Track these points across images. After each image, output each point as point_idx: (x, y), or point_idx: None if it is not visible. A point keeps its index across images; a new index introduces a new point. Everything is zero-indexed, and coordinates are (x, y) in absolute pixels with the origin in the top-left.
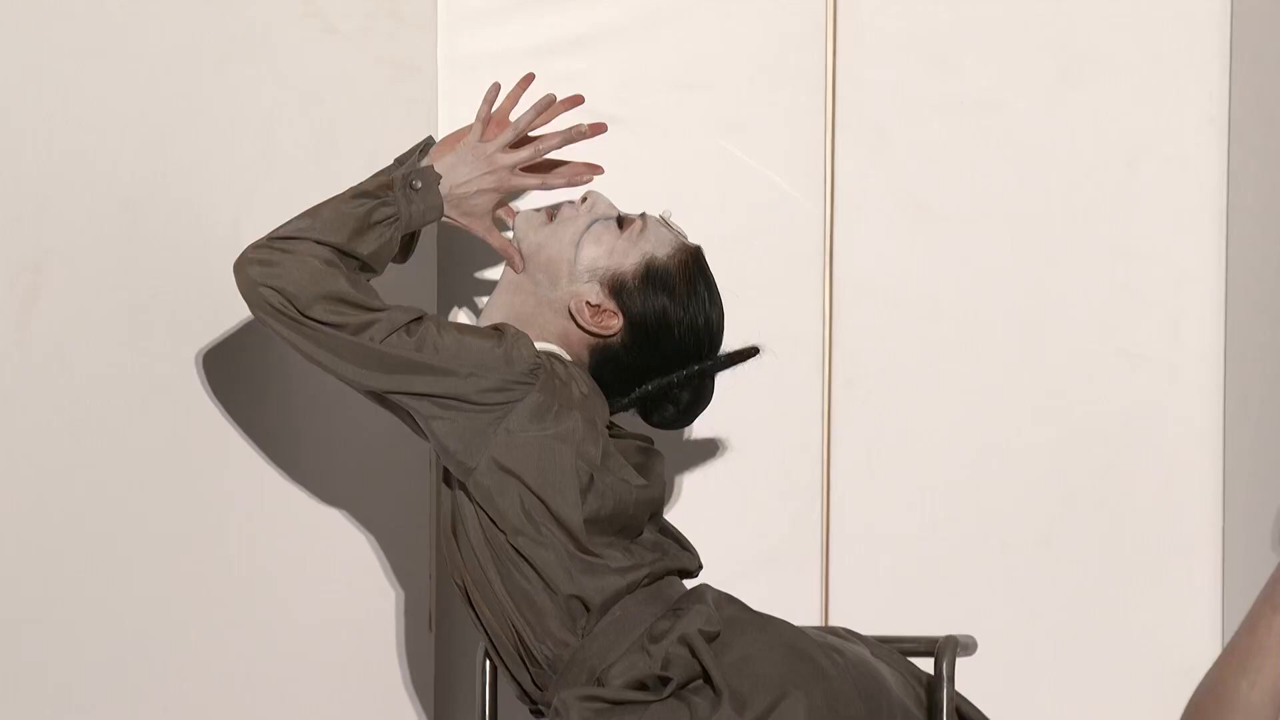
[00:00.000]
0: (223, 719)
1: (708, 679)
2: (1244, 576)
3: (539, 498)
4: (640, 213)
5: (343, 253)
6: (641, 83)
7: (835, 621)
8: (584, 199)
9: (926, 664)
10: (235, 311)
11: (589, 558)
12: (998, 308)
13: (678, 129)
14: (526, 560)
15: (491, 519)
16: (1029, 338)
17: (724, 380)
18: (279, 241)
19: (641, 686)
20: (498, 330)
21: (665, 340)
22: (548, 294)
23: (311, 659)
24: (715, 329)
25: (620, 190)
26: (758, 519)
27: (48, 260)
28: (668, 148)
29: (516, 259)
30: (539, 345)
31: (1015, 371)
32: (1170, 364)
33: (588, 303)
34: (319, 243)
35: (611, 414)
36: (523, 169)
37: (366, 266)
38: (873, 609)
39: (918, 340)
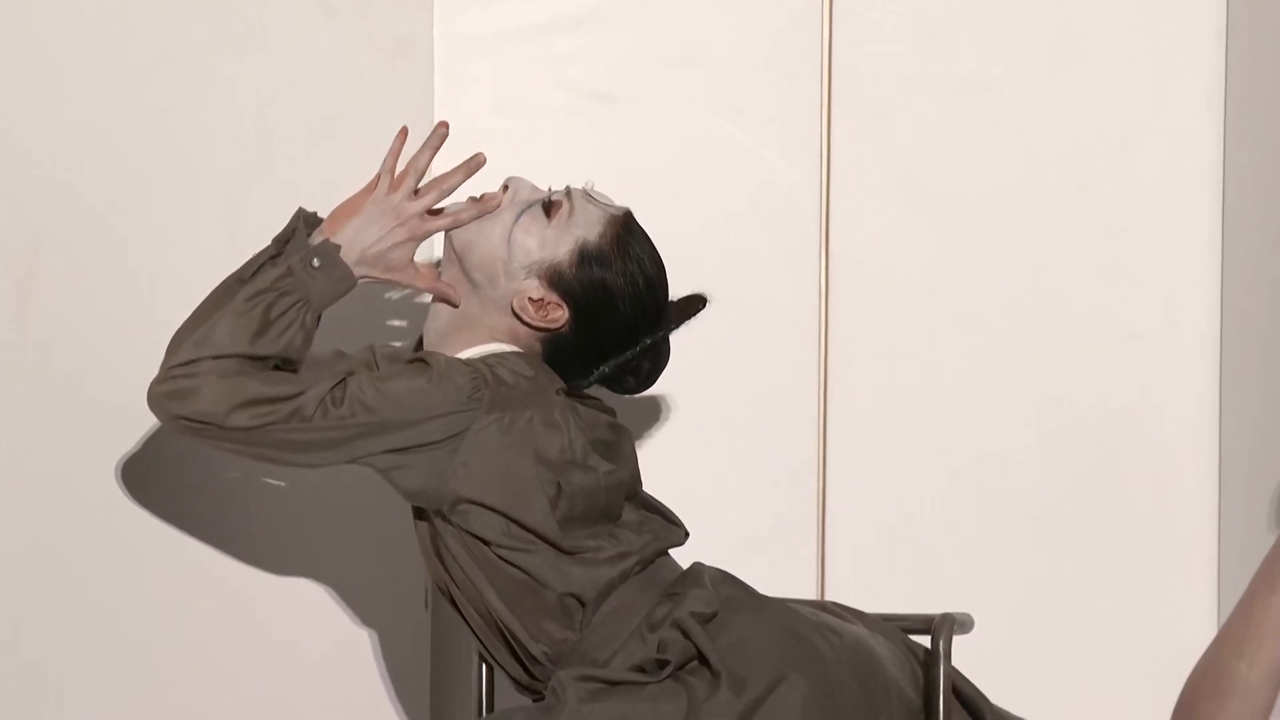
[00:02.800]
0: (219, 707)
1: (704, 660)
2: (1240, 557)
3: (511, 518)
4: (564, 188)
5: (249, 358)
6: (638, 62)
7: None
8: (505, 187)
9: (923, 642)
10: None
11: (576, 555)
12: (993, 288)
13: (674, 109)
14: (515, 566)
15: (474, 536)
16: (1025, 318)
17: (721, 359)
18: (179, 369)
19: (639, 669)
20: (424, 363)
21: (612, 317)
22: (489, 294)
23: (307, 644)
24: (659, 289)
25: (615, 171)
26: (754, 498)
27: (44, 244)
28: (664, 127)
29: (452, 294)
30: (483, 349)
31: (1011, 352)
32: (1166, 343)
33: (530, 299)
34: (218, 358)
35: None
36: (431, 211)
37: (283, 363)
38: (869, 587)
39: (914, 320)
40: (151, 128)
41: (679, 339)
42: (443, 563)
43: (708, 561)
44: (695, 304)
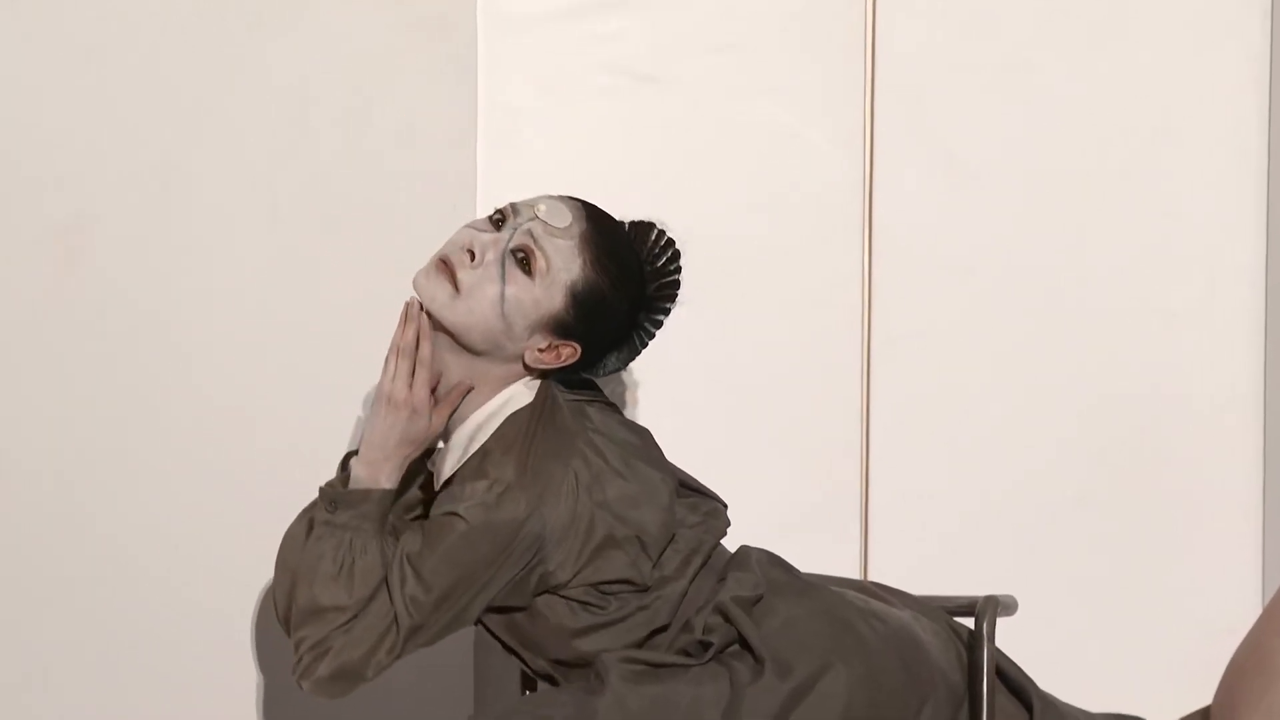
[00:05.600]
0: (261, 691)
1: (746, 645)
2: None
3: (595, 584)
4: (512, 214)
5: (351, 607)
6: (679, 43)
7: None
8: (468, 251)
9: (967, 624)
10: (267, 275)
11: (654, 587)
12: (1035, 267)
13: (716, 90)
14: (595, 628)
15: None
16: (1066, 297)
17: (764, 341)
18: (311, 652)
19: (683, 652)
20: (455, 516)
21: (614, 320)
22: (499, 357)
23: None
24: (639, 268)
25: (656, 152)
26: (797, 479)
27: (84, 222)
28: (706, 109)
29: (463, 390)
30: (497, 402)
31: (1053, 331)
32: (1209, 323)
33: (539, 350)
34: (342, 628)
35: (578, 388)
36: (412, 379)
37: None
38: (912, 568)
39: (956, 299)
40: (192, 107)
41: (722, 326)
42: (516, 638)
43: (751, 542)
44: (672, 270)
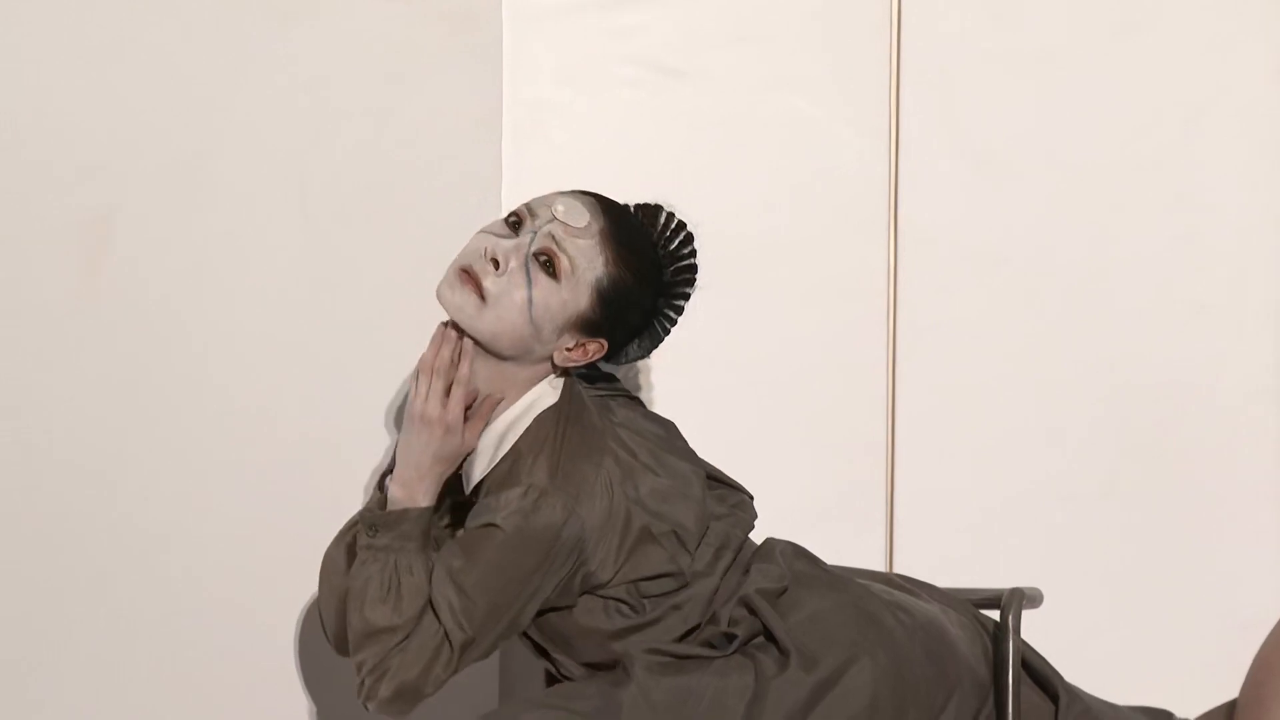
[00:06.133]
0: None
1: (771, 637)
2: None
3: (634, 581)
4: (528, 216)
5: (402, 626)
6: (704, 35)
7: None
8: (492, 260)
9: (993, 616)
10: (293, 267)
11: (691, 581)
12: (1061, 258)
13: (741, 82)
14: (633, 629)
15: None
16: (1092, 288)
17: (790, 332)
18: (372, 674)
19: (708, 644)
20: (494, 527)
21: (638, 311)
22: (527, 360)
23: None
24: (660, 261)
25: (681, 144)
26: (822, 471)
27: (114, 215)
28: (730, 101)
29: (493, 403)
30: (524, 403)
31: (1078, 322)
32: (1233, 315)
33: (567, 349)
34: (397, 648)
35: (602, 378)
36: (445, 397)
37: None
38: (937, 561)
39: (981, 291)
40: (218, 100)
41: (747, 318)
42: (555, 643)
43: (777, 534)
44: (687, 252)
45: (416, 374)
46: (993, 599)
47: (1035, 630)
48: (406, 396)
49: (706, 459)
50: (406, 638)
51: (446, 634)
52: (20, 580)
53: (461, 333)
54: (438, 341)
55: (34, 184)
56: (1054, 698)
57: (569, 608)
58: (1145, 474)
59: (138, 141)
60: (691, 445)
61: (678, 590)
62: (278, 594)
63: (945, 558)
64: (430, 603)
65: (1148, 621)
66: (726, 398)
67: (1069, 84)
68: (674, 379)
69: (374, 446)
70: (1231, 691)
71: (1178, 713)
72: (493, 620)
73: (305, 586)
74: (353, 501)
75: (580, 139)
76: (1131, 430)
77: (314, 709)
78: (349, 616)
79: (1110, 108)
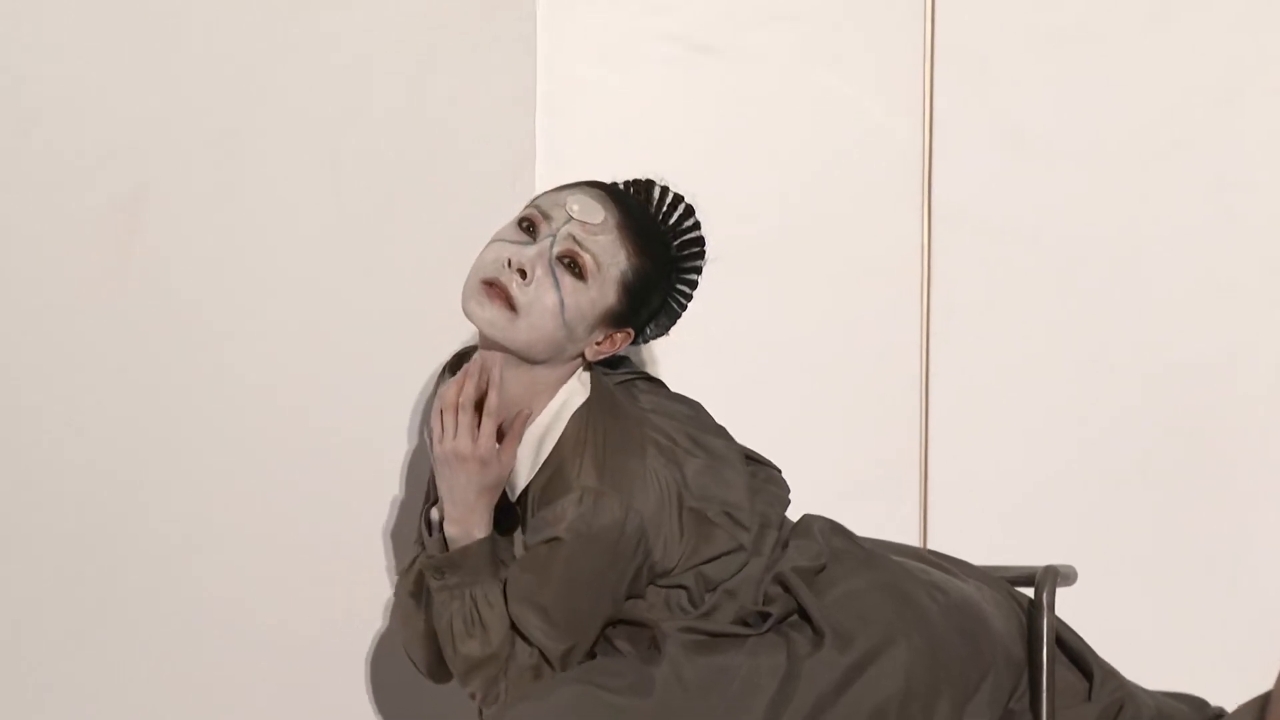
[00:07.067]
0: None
1: (805, 615)
2: None
3: (696, 565)
4: (562, 230)
5: (497, 656)
6: (738, 13)
7: None
8: (519, 270)
9: (1027, 594)
10: (327, 246)
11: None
12: (1096, 238)
13: (774, 59)
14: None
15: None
16: (1126, 269)
17: (824, 310)
18: (490, 703)
19: (741, 622)
20: (560, 540)
21: (658, 294)
22: (558, 361)
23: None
24: (667, 239)
25: (715, 122)
26: (856, 450)
27: (148, 191)
28: (764, 79)
29: (524, 418)
30: (556, 405)
31: (1113, 301)
32: (1270, 295)
33: (597, 344)
34: (501, 675)
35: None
36: (478, 430)
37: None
38: (971, 540)
39: (1016, 270)
40: (251, 76)
41: (781, 296)
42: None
43: (810, 512)
44: (686, 227)
45: (439, 413)
46: (1027, 576)
47: (1067, 610)
48: (436, 388)
49: (740, 437)
50: (508, 659)
51: (543, 653)
52: (43, 575)
53: (495, 346)
54: (461, 379)
55: (68, 161)
56: (1088, 675)
57: (638, 597)
58: (1181, 453)
59: (172, 118)
60: (726, 424)
61: (738, 572)
62: (301, 590)
63: (979, 537)
64: (515, 628)
65: (1181, 604)
66: (761, 376)
67: (1104, 62)
68: (707, 358)
69: (406, 429)
70: (1264, 669)
71: (1210, 698)
72: (580, 626)
73: (333, 581)
74: (386, 489)
75: (614, 115)
76: (1166, 410)
77: (330, 707)
78: (445, 656)
79: (1146, 86)
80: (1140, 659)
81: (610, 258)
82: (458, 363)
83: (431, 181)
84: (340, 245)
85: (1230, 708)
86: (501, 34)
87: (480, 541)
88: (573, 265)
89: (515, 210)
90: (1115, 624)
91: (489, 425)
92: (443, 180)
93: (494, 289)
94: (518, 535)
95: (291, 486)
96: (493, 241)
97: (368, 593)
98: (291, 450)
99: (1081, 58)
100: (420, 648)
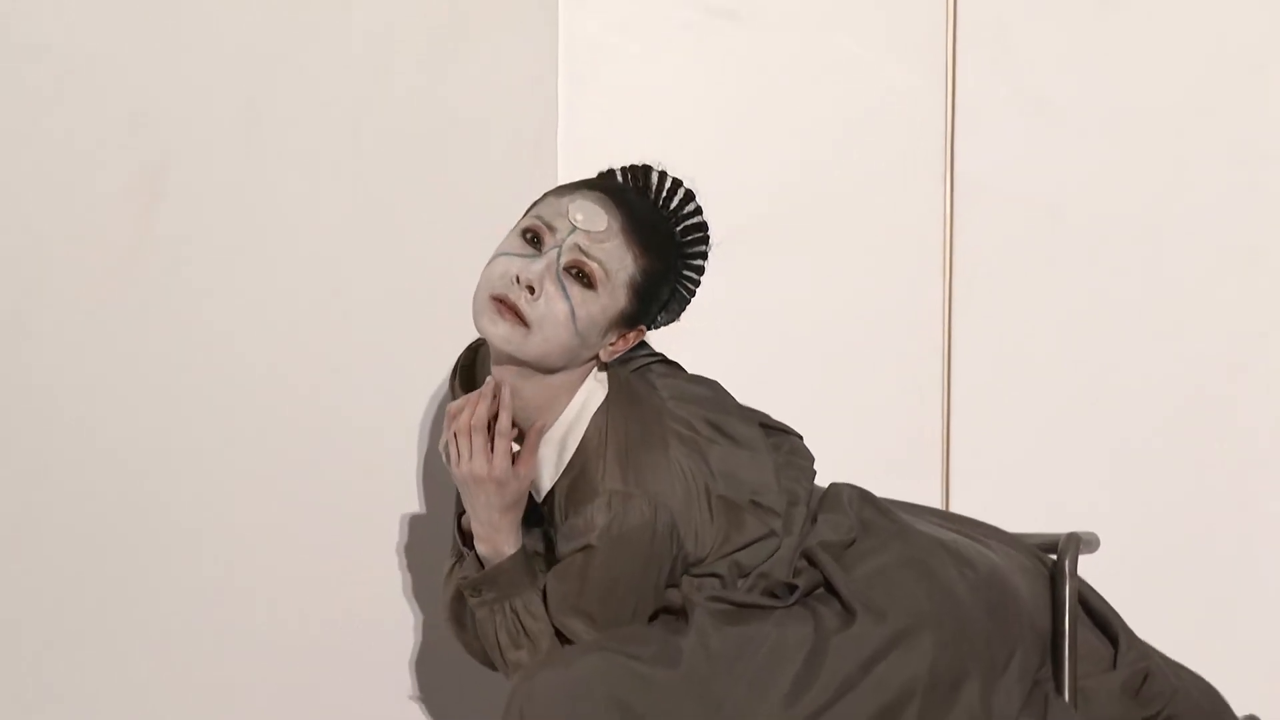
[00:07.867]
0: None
1: (831, 589)
2: None
3: (731, 553)
4: (567, 241)
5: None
6: None
7: None
8: (528, 286)
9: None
10: (350, 218)
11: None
12: (1120, 207)
13: (797, 25)
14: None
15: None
16: (1149, 238)
17: (846, 281)
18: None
19: (769, 593)
20: (593, 548)
21: (666, 287)
22: (573, 365)
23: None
24: (671, 228)
25: (737, 88)
26: (878, 423)
27: (170, 165)
28: (787, 45)
29: (539, 432)
30: (574, 410)
31: (1135, 272)
32: None
33: (611, 345)
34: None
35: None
36: (492, 448)
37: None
38: (993, 511)
39: (1039, 239)
40: (275, 48)
41: (802, 267)
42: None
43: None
44: (686, 212)
45: (454, 436)
46: (1049, 544)
47: (1092, 576)
48: (450, 384)
49: (763, 409)
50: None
51: (583, 621)
52: (47, 568)
53: (509, 360)
54: (474, 401)
55: (93, 134)
56: (1113, 640)
57: (673, 586)
58: (1201, 423)
59: (196, 92)
60: (748, 397)
61: (770, 556)
62: (315, 580)
63: (1001, 510)
64: (560, 636)
65: (1205, 567)
66: (782, 350)
67: (1129, 29)
68: (730, 330)
69: (425, 414)
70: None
71: (1230, 665)
72: (624, 622)
73: (341, 577)
74: (406, 472)
75: (636, 83)
76: (1193, 379)
77: (334, 706)
78: (496, 664)
79: (1172, 55)
80: (1162, 626)
81: (618, 263)
82: (470, 357)
83: (454, 151)
84: (363, 222)
85: (1252, 677)
86: (524, 3)
87: (511, 558)
88: (581, 275)
89: (538, 181)
90: (1136, 593)
91: (502, 446)
92: (465, 149)
93: (504, 305)
94: (540, 532)
95: (302, 471)
96: (497, 255)
97: (374, 590)
98: (304, 433)
99: (1106, 25)
100: (478, 652)
